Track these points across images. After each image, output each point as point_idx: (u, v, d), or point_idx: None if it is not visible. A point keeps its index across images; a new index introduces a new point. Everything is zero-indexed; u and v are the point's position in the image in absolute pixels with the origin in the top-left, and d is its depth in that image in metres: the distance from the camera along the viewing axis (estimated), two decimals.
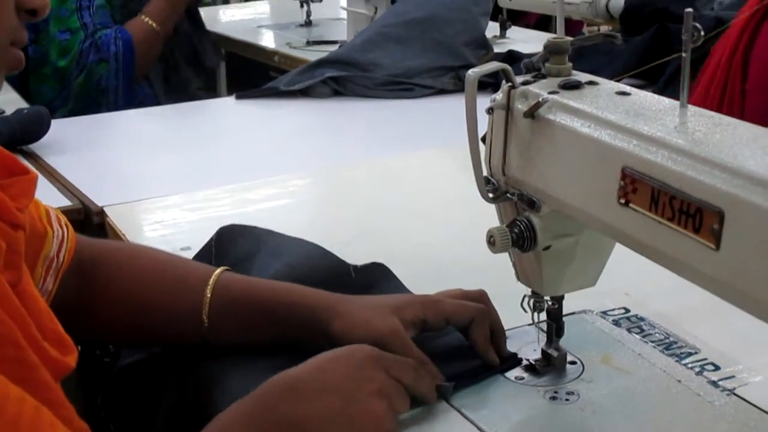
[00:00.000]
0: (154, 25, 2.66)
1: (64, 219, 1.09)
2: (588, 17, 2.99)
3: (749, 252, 0.68)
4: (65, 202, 1.58)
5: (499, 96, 0.94)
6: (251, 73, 3.20)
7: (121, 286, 1.09)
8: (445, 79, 2.34)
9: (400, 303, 1.03)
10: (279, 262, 1.20)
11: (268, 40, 3.33)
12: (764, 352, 1.06)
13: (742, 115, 1.76)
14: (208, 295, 1.06)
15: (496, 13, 3.05)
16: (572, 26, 3.55)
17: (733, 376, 1.01)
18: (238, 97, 2.39)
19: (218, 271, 1.09)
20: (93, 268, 1.09)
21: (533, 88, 0.91)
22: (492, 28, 2.94)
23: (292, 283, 1.09)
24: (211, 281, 1.07)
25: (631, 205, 0.78)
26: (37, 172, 0.92)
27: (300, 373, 0.91)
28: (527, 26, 3.64)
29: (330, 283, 1.10)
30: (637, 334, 1.10)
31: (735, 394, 0.98)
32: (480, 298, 1.06)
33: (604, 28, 3.09)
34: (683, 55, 0.78)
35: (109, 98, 2.61)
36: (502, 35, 3.06)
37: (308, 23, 3.47)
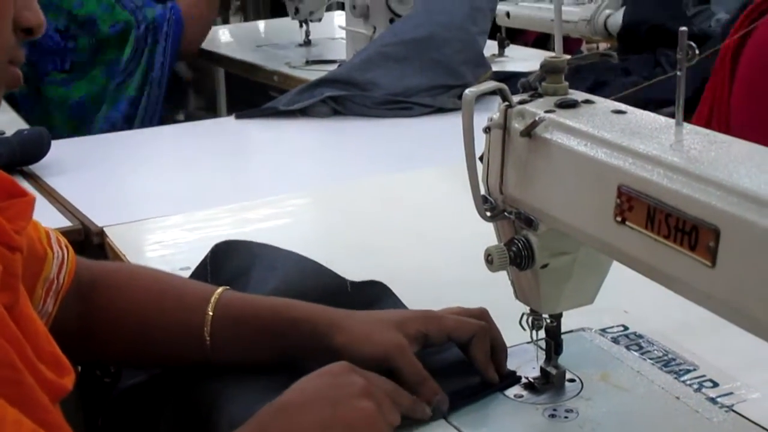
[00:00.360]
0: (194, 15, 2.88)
1: (64, 241, 1.09)
2: (586, 35, 3.00)
3: (745, 269, 0.69)
4: (65, 223, 1.59)
5: (496, 115, 0.94)
6: (251, 92, 3.21)
7: (120, 307, 1.09)
8: (443, 97, 2.35)
9: (402, 318, 1.04)
10: (274, 277, 1.20)
11: (267, 59, 3.34)
12: (763, 369, 1.06)
13: (727, 128, 1.78)
14: (210, 314, 1.06)
15: (494, 32, 3.06)
16: (571, 44, 3.56)
17: (731, 393, 1.02)
18: (238, 117, 2.40)
19: (219, 290, 1.09)
20: (92, 290, 1.09)
21: (530, 107, 0.92)
22: (491, 47, 2.95)
23: (291, 299, 1.09)
24: (212, 300, 1.07)
25: (627, 222, 0.78)
26: (35, 193, 0.92)
27: (286, 396, 0.92)
28: (526, 44, 3.65)
29: (327, 298, 1.10)
30: (635, 351, 1.11)
31: (733, 411, 0.98)
32: (481, 315, 1.06)
33: (603, 46, 3.10)
34: (678, 73, 0.78)
35: (154, 76, 2.74)
36: (501, 54, 3.07)
37: (307, 43, 3.48)
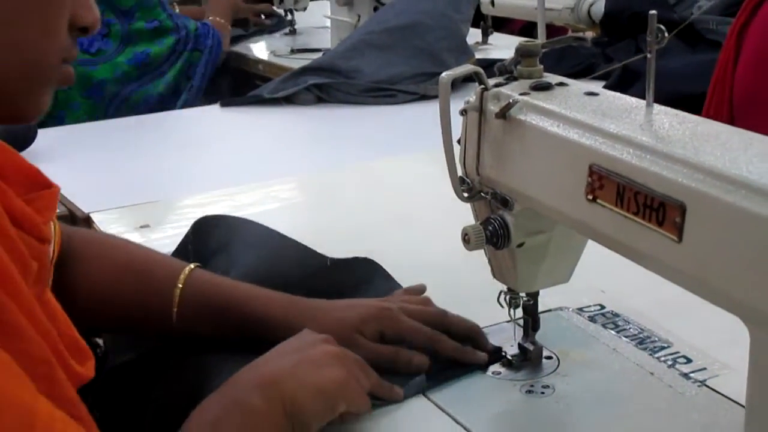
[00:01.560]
0: (223, 21, 3.05)
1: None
2: (571, 23, 3.02)
3: (710, 244, 0.71)
4: None
5: (473, 98, 0.96)
6: (236, 81, 3.22)
7: (94, 279, 1.12)
8: (427, 84, 2.37)
9: (360, 318, 1.06)
10: (254, 254, 1.23)
11: (252, 48, 3.36)
12: (736, 346, 1.08)
13: (729, 105, 1.80)
14: (179, 287, 1.09)
15: (478, 20, 3.08)
16: (555, 33, 3.58)
17: (704, 368, 1.04)
18: (223, 105, 2.42)
19: (190, 266, 1.12)
20: (67, 259, 1.11)
21: (505, 90, 0.94)
22: (475, 35, 2.98)
23: (258, 288, 1.11)
24: (182, 275, 1.10)
25: (598, 200, 0.81)
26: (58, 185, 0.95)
27: (257, 359, 0.95)
28: (512, 33, 3.67)
29: (307, 276, 1.12)
30: (611, 329, 1.13)
31: (706, 386, 1.01)
32: (426, 302, 1.11)
33: (589, 35, 3.11)
34: (648, 55, 0.81)
35: (193, 84, 2.83)
36: (484, 41, 3.09)
37: (292, 32, 3.50)
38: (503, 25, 3.55)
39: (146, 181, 1.80)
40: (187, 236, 1.31)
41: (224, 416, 0.87)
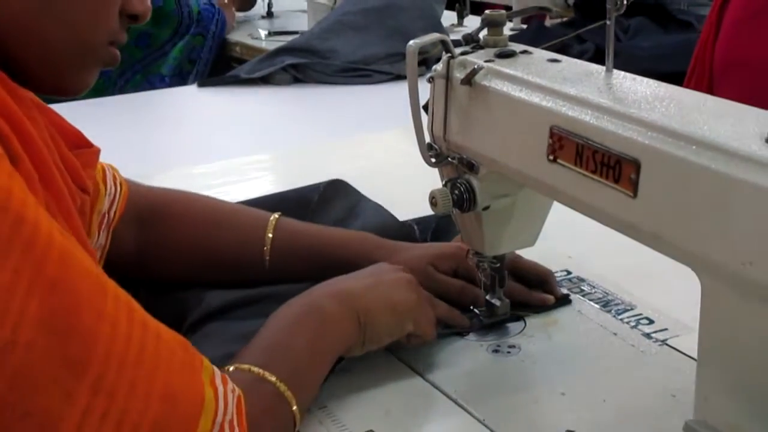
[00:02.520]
0: (227, 1, 3.07)
1: (120, 178, 1.16)
2: (547, 6, 3.05)
3: (663, 198, 0.74)
4: None
5: (440, 66, 0.99)
6: (213, 64, 3.23)
7: (181, 233, 1.18)
8: (401, 65, 2.39)
9: (436, 255, 1.14)
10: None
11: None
12: (696, 307, 1.12)
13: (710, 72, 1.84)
14: (270, 236, 1.16)
15: (454, 2, 3.11)
16: (530, 19, 3.61)
17: (665, 329, 1.08)
18: (201, 85, 2.44)
19: (275, 215, 1.18)
20: (152, 217, 1.18)
21: (471, 57, 0.97)
22: (450, 17, 3.00)
23: (344, 231, 1.21)
24: (270, 223, 1.17)
25: (558, 161, 0.84)
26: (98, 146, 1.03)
27: (335, 278, 1.02)
28: None
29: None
30: (577, 293, 1.16)
31: (667, 345, 1.05)
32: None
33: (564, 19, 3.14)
34: (607, 23, 0.84)
35: (198, 69, 2.86)
36: (460, 23, 3.12)
37: (270, 15, 3.52)
38: (479, 9, 3.57)
39: (123, 158, 1.81)
40: (319, 185, 1.39)
41: (303, 316, 0.93)
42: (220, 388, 0.77)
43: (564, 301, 1.14)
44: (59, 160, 0.86)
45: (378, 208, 1.38)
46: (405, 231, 1.28)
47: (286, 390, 0.85)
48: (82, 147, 1.00)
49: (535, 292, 1.14)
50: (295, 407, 0.86)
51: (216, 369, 0.79)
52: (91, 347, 0.68)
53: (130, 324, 0.72)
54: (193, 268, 1.18)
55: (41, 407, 0.66)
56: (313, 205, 1.36)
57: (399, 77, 2.37)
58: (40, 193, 0.75)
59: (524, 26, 2.92)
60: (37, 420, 0.66)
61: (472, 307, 1.10)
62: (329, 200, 1.38)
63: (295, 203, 1.34)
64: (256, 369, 0.85)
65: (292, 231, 1.18)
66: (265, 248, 1.16)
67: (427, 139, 1.02)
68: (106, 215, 1.11)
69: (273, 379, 0.85)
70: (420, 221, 1.31)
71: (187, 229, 1.19)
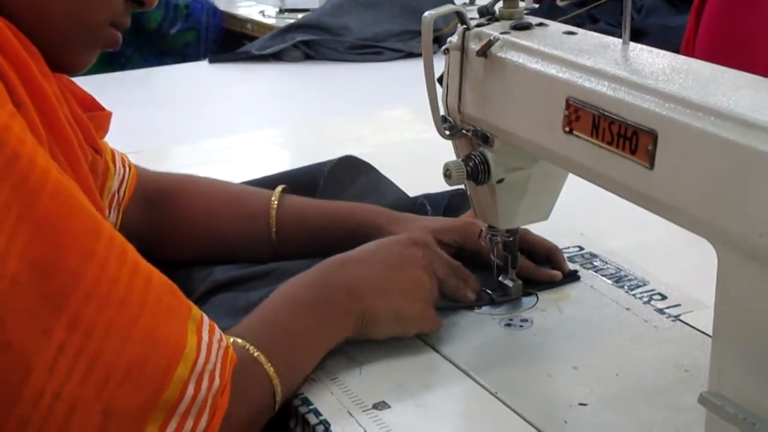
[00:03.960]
0: None
1: (128, 160, 1.18)
2: None
3: (680, 169, 0.73)
4: None
5: (455, 38, 0.99)
6: (225, 41, 3.23)
7: (193, 211, 1.20)
8: (413, 42, 2.39)
9: (442, 228, 1.14)
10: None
11: (241, 8, 3.37)
12: (710, 284, 1.11)
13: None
14: (275, 206, 1.18)
15: None
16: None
17: (678, 305, 1.07)
18: (212, 61, 2.43)
19: (278, 188, 1.20)
20: (163, 199, 1.19)
21: (486, 29, 0.96)
22: None
23: (351, 204, 1.21)
24: (274, 195, 1.19)
25: (574, 132, 0.83)
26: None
27: (352, 252, 1.01)
28: None
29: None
30: (590, 269, 1.16)
31: (680, 320, 1.04)
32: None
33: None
34: None
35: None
36: (472, 2, 3.10)
37: None
38: None
39: (135, 132, 1.82)
40: (328, 162, 1.39)
41: (310, 302, 0.94)
42: (205, 337, 0.78)
43: (572, 277, 1.14)
44: (70, 115, 0.86)
45: (388, 183, 1.38)
46: (416, 208, 1.28)
47: (275, 377, 0.86)
48: (94, 110, 1.00)
49: (543, 268, 1.13)
50: (279, 389, 0.87)
51: (206, 317, 0.80)
52: (72, 286, 0.70)
53: (119, 266, 0.73)
54: (202, 246, 1.19)
55: (18, 339, 0.68)
56: (323, 183, 1.35)
57: (411, 55, 2.37)
58: (43, 138, 0.76)
59: (536, 6, 2.92)
60: (13, 351, 0.68)
61: (484, 288, 1.09)
62: (340, 179, 1.38)
63: (305, 181, 1.33)
64: (251, 348, 0.86)
65: (298, 202, 1.19)
66: (271, 220, 1.17)
67: (442, 111, 1.01)
68: (116, 194, 1.12)
69: (264, 361, 0.86)
70: (431, 197, 1.31)
71: (195, 207, 1.20)
